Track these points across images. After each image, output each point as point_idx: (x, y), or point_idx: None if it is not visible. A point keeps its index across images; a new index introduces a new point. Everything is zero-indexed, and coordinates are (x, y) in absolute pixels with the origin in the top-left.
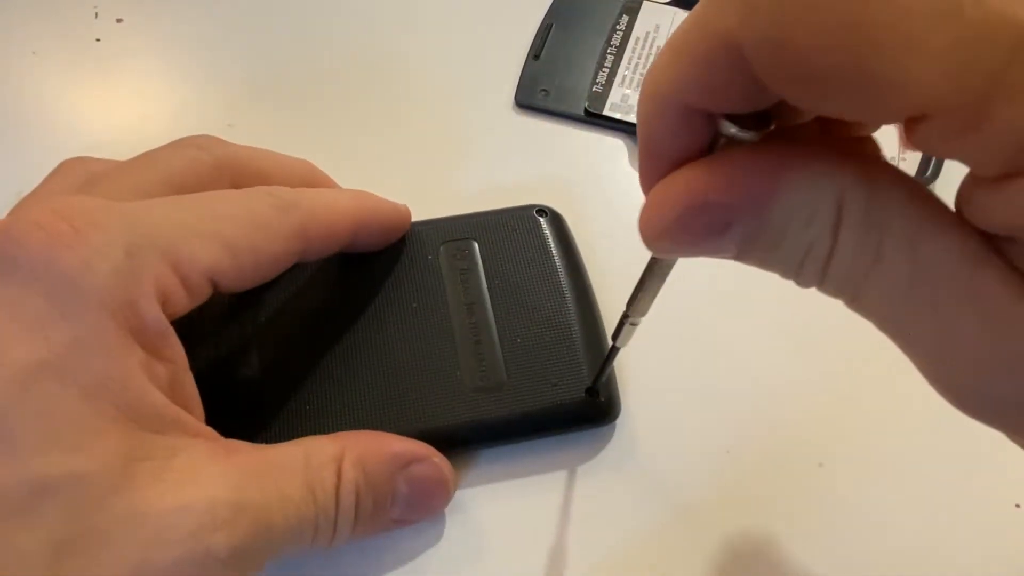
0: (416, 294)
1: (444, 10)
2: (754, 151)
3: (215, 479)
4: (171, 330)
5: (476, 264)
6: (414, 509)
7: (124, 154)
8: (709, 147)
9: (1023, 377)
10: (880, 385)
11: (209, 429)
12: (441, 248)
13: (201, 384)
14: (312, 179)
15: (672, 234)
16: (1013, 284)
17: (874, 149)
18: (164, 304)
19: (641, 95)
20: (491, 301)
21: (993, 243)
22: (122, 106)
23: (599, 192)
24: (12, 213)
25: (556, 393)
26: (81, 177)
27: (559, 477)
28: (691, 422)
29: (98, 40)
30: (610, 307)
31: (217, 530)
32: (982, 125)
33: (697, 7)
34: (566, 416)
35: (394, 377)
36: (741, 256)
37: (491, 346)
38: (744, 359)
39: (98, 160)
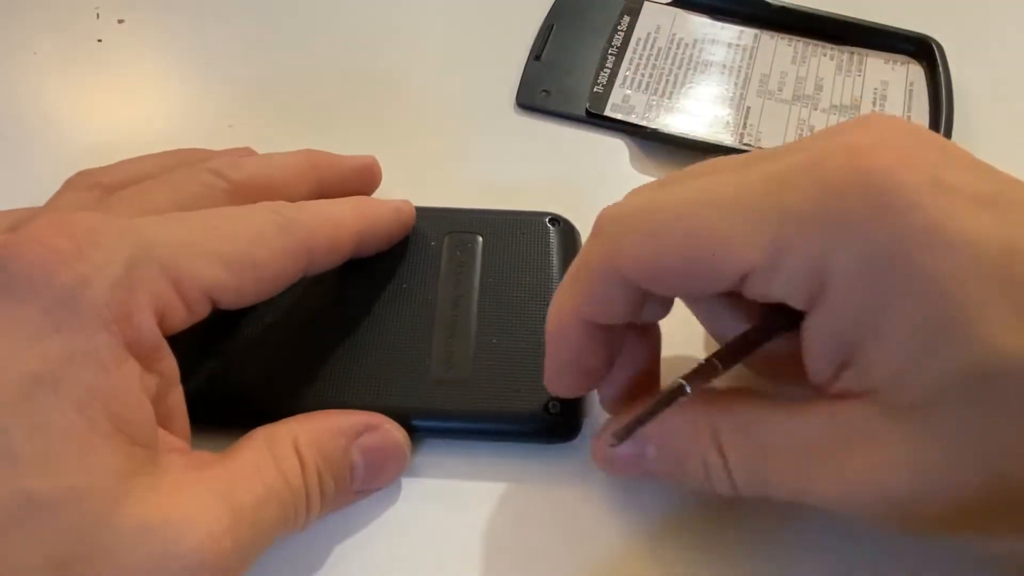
0: (409, 276)
1: (445, 11)
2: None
3: (207, 490)
4: (164, 343)
5: (475, 259)
6: (372, 478)
7: (125, 155)
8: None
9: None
10: None
11: (183, 443)
12: (446, 237)
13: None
14: (320, 184)
15: (611, 462)
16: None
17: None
18: (162, 319)
19: (549, 314)
20: (479, 297)
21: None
22: (123, 107)
23: (599, 192)
24: (18, 229)
25: (515, 400)
26: (91, 191)
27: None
28: None
29: (99, 41)
30: None
31: (223, 537)
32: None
33: (584, 248)
34: (520, 426)
35: (366, 354)
36: (658, 471)
37: (466, 341)
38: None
39: (104, 170)
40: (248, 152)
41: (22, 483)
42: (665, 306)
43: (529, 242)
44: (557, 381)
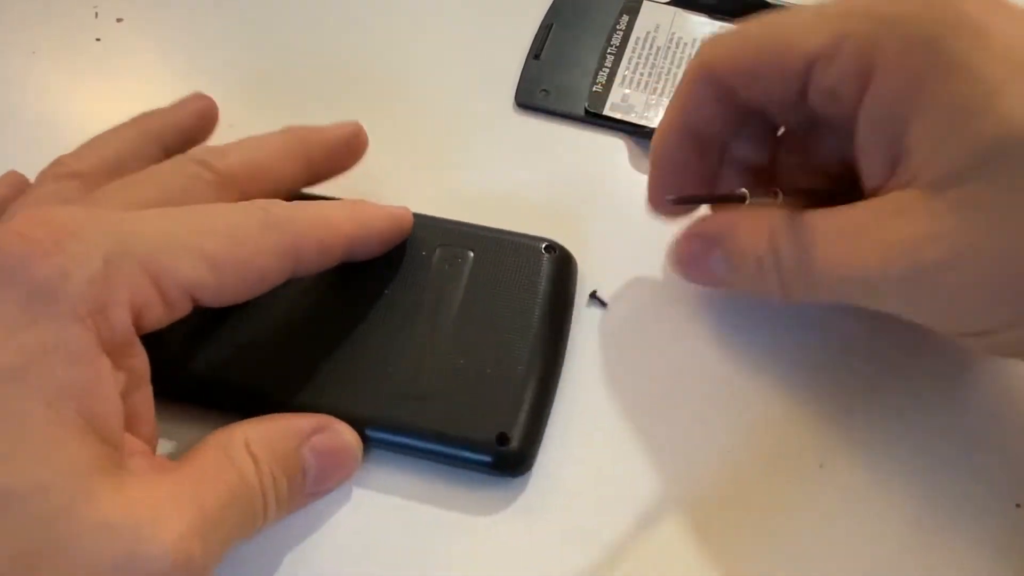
0: (392, 283)
1: (444, 9)
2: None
3: (174, 492)
4: (137, 340)
5: (462, 275)
6: (324, 478)
7: None
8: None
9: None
10: (880, 384)
11: (146, 446)
12: (437, 248)
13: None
14: (309, 160)
15: (682, 260)
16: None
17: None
18: (140, 315)
19: (658, 131)
20: (457, 315)
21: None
22: (122, 106)
23: (598, 192)
24: None
25: (469, 427)
26: (70, 181)
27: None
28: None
29: (98, 40)
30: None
31: (192, 539)
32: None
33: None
34: (471, 454)
35: (333, 356)
36: (721, 273)
37: (434, 358)
38: (744, 358)
39: (76, 157)
40: (203, 106)
41: None
42: (758, 146)
43: (520, 266)
44: (656, 195)
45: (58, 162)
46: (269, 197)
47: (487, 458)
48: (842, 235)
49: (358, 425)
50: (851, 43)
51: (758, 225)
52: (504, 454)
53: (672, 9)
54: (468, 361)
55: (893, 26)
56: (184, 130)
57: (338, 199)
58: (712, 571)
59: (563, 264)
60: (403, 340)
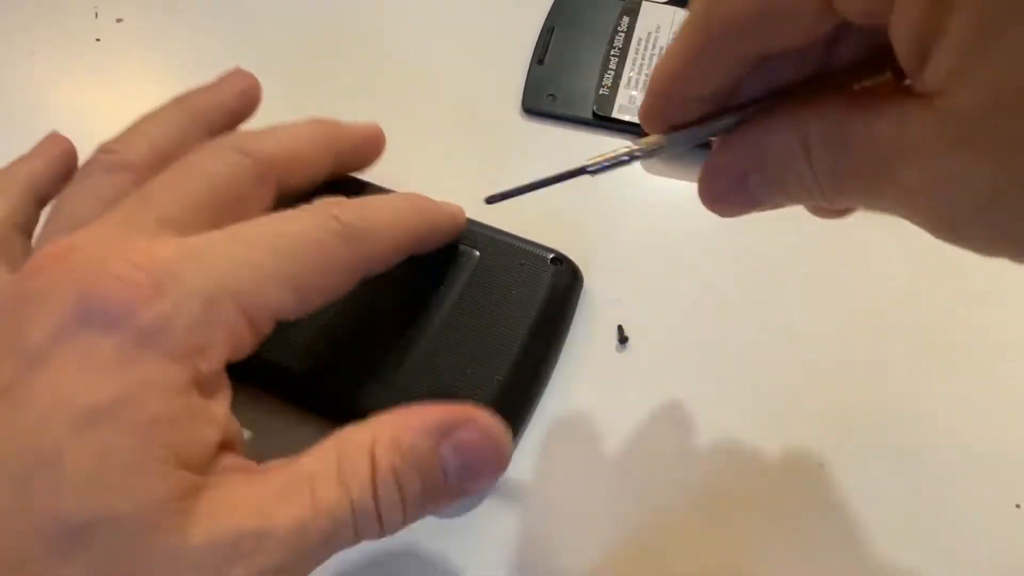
0: (403, 271)
1: (446, 17)
2: (745, 132)
3: (242, 509)
4: (223, 371)
5: (464, 272)
6: (472, 477)
7: None
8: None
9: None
10: (880, 385)
11: (245, 460)
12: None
13: None
14: (338, 152)
15: (719, 196)
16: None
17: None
18: (235, 354)
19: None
20: (449, 310)
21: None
22: (122, 106)
23: (609, 196)
24: (80, 246)
25: None
26: (122, 174)
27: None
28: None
29: (98, 40)
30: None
31: (236, 563)
32: None
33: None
34: None
35: (324, 334)
36: (762, 197)
37: (417, 350)
38: (745, 358)
39: (124, 144)
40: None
41: (68, 507)
42: (780, 71)
43: (522, 273)
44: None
45: (107, 149)
46: (303, 186)
47: None
48: (871, 156)
49: (334, 407)
50: None
51: (788, 136)
52: None
53: (672, 9)
54: (447, 360)
55: None
56: (229, 112)
57: (392, 191)
58: (712, 571)
59: (567, 278)
60: (392, 326)
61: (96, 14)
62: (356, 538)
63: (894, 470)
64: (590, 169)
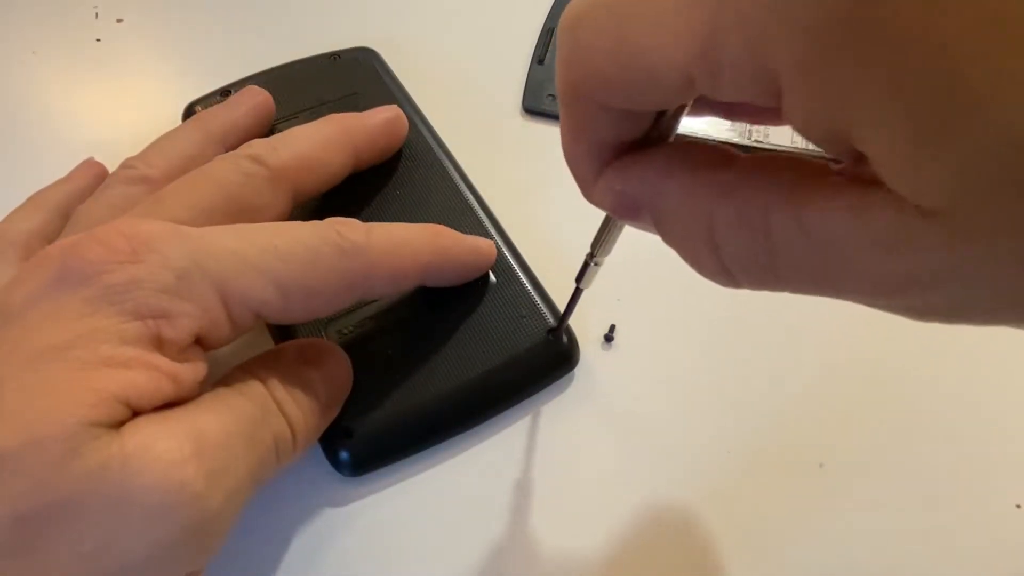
0: None
1: (446, 17)
2: (651, 161)
3: (168, 424)
4: (199, 352)
5: (476, 289)
6: (336, 390)
7: (124, 155)
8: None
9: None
10: (880, 385)
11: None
12: None
13: None
14: (355, 148)
15: (609, 207)
16: (891, 207)
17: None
18: (207, 331)
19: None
20: (416, 310)
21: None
22: (122, 106)
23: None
24: (65, 235)
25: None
26: (139, 185)
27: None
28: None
29: (98, 40)
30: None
31: (188, 464)
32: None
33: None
34: (329, 450)
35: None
36: (661, 236)
37: (375, 338)
38: (745, 358)
39: (146, 160)
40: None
41: None
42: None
43: (518, 326)
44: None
45: (127, 165)
46: (320, 189)
47: (335, 450)
48: (817, 252)
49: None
50: (733, 50)
51: (693, 212)
52: (347, 445)
53: None
54: (392, 354)
55: (791, 15)
56: (243, 129)
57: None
58: (712, 570)
59: (552, 353)
60: (392, 321)
61: (96, 14)
62: (278, 450)
63: (894, 470)
64: (581, 286)
